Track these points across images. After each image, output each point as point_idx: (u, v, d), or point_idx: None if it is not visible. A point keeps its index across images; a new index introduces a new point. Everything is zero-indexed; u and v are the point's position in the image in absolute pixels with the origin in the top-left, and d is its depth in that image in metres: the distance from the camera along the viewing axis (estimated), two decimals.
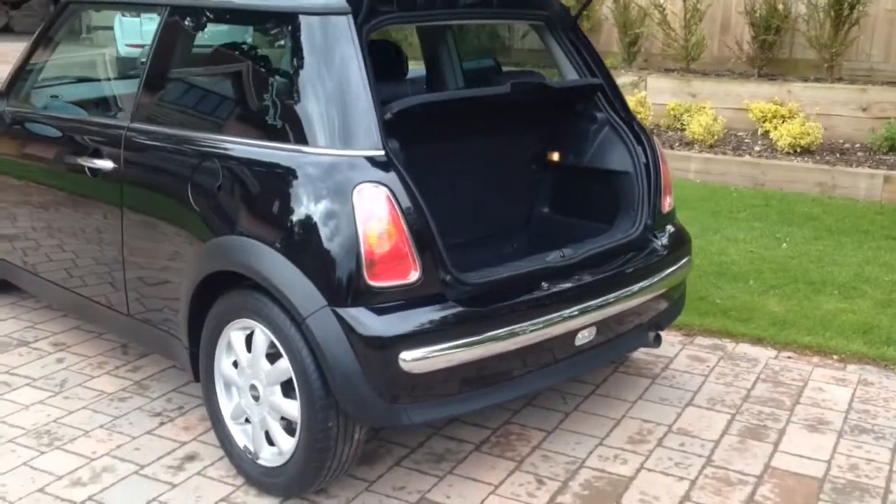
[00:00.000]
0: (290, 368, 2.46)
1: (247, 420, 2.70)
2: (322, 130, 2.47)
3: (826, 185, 6.56)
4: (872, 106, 7.33)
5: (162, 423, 3.07)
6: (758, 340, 3.81)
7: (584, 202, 3.29)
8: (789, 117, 7.22)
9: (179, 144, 2.81)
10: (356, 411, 2.39)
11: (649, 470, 2.79)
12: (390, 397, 2.39)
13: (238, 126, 2.69)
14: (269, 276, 2.42)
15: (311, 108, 2.50)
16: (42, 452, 2.86)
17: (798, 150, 6.96)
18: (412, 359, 2.35)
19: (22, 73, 3.58)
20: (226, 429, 2.75)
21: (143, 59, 3.03)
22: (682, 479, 2.73)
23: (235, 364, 2.68)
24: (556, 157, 3.36)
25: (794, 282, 4.49)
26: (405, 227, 2.38)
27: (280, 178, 2.50)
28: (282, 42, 2.62)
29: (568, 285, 2.69)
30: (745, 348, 3.75)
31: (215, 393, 2.75)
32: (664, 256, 3.03)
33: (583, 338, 2.74)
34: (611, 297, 2.77)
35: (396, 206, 2.38)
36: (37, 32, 3.59)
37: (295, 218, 2.44)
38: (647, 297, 2.93)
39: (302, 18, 2.55)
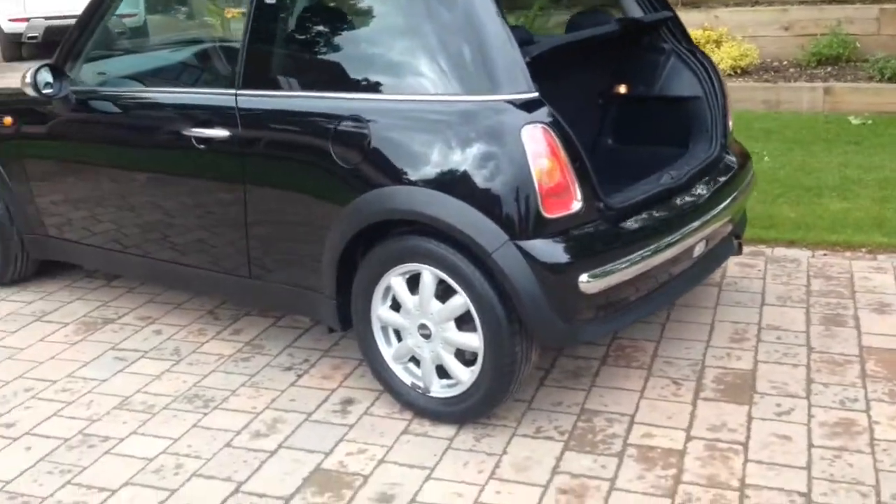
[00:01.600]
0: (468, 303, 2.65)
1: (411, 359, 2.87)
2: (477, 77, 2.62)
3: (771, 101, 7.05)
4: (794, 24, 7.86)
5: (299, 376, 3.19)
6: (790, 243, 4.21)
7: (653, 130, 3.55)
8: (722, 42, 7.69)
9: (310, 106, 2.90)
10: (542, 333, 2.62)
11: (764, 362, 3.12)
12: (570, 317, 2.62)
13: (383, 82, 2.80)
14: (447, 219, 2.59)
15: (460, 57, 2.65)
16: (205, 414, 2.96)
17: (738, 71, 7.44)
18: (587, 280, 2.58)
19: (78, 50, 3.52)
20: (388, 370, 2.91)
21: (244, 20, 3.05)
22: (796, 365, 3.08)
23: (394, 308, 2.84)
24: (623, 89, 3.60)
25: (792, 189, 4.92)
26: (567, 161, 2.59)
27: (442, 128, 2.65)
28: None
29: (688, 201, 2.97)
30: (782, 251, 4.14)
31: (373, 338, 2.91)
32: (741, 169, 3.34)
33: (698, 249, 3.03)
34: (717, 209, 3.07)
35: (558, 142, 2.58)
36: (87, 8, 3.53)
37: (465, 163, 2.60)
38: (737, 206, 3.24)
39: None
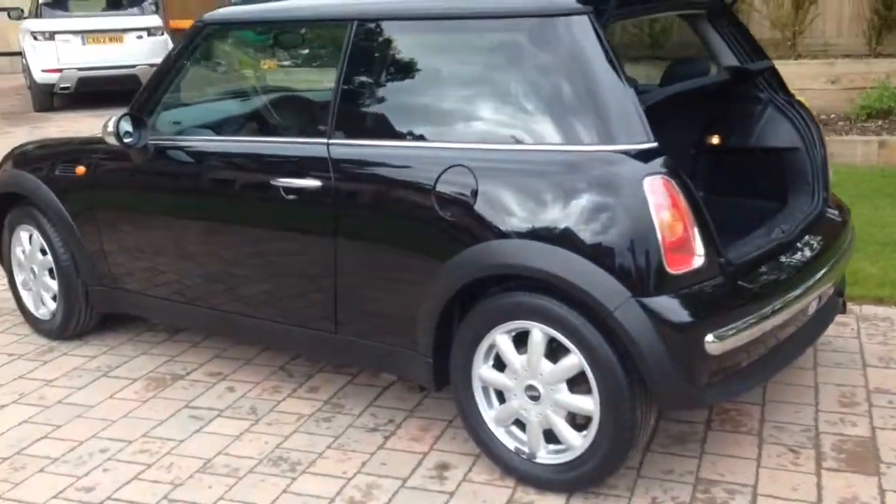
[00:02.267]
0: (583, 363, 2.50)
1: (516, 422, 2.71)
2: (593, 126, 2.51)
3: None
4: (841, 78, 7.79)
5: (386, 438, 3.03)
6: (878, 300, 4.05)
7: (747, 182, 3.42)
8: None
9: (409, 155, 2.79)
10: (667, 396, 2.46)
11: (881, 428, 2.95)
12: (695, 379, 2.47)
13: (489, 130, 2.68)
14: (562, 274, 2.45)
15: (574, 105, 2.54)
16: (293, 478, 2.80)
17: None
18: (713, 339, 2.43)
19: (156, 101, 3.44)
20: (488, 433, 2.75)
21: (337, 65, 2.96)
22: None
23: (498, 367, 2.70)
24: (716, 139, 3.48)
25: (868, 244, 4.77)
26: (689, 214, 2.46)
27: (555, 178, 2.53)
28: (532, 43, 2.63)
29: (801, 256, 2.83)
30: (871, 309, 3.97)
31: (473, 399, 2.75)
32: (844, 223, 3.21)
33: (813, 307, 2.88)
34: (829, 265, 2.92)
35: (680, 194, 2.45)
36: (168, 57, 3.46)
37: (581, 216, 2.47)
38: (844, 261, 3.09)
39: (547, 20, 2.59)
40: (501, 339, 2.65)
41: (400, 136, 2.86)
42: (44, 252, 3.90)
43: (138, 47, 12.39)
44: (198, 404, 3.34)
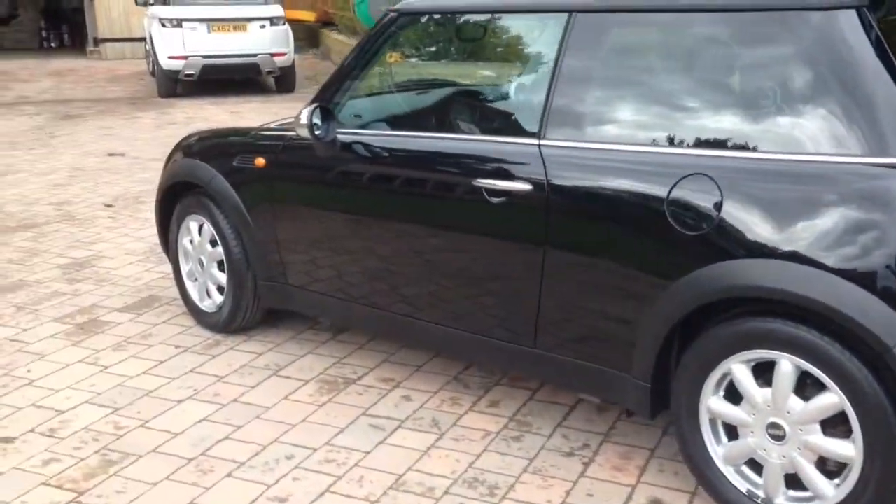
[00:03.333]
0: (845, 403, 2.23)
1: (750, 461, 2.46)
2: (864, 136, 2.23)
3: None
4: None
5: (585, 465, 2.82)
6: None
7: None
8: None
9: (641, 161, 2.55)
10: None
11: None
12: None
13: (740, 134, 2.42)
14: (830, 303, 2.19)
15: (842, 113, 2.27)
16: None
17: None
18: None
19: (344, 93, 3.29)
20: (715, 471, 2.51)
21: (552, 57, 2.75)
22: None
23: (730, 399, 2.45)
24: None
25: None
26: None
27: (820, 193, 2.26)
28: (791, 40, 2.37)
29: None
30: None
31: (698, 432, 2.51)
32: None
33: None
34: None
35: None
36: (357, 48, 3.30)
37: (854, 237, 2.20)
38: None
39: (810, 14, 2.33)
40: (739, 368, 2.40)
41: (625, 139, 2.62)
42: (213, 244, 3.81)
43: (261, 36, 12.49)
44: (376, 412, 3.18)
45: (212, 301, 3.92)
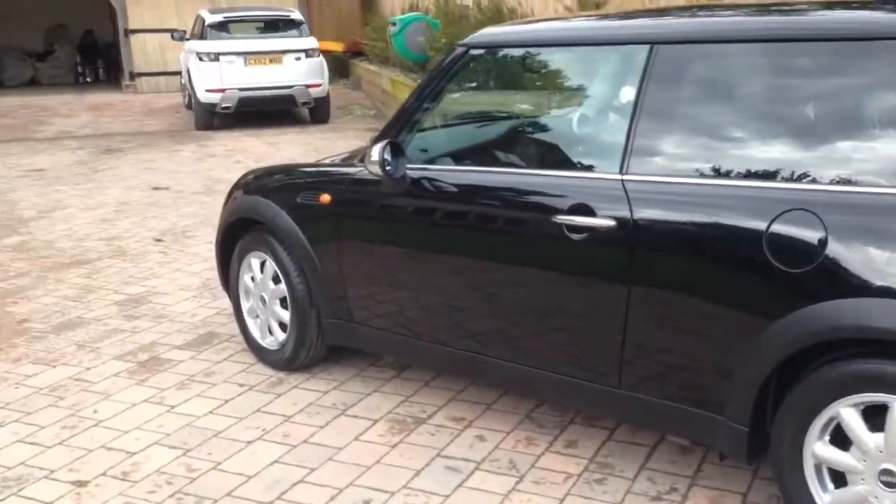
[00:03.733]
0: None
1: None
2: None
3: None
4: None
5: None
6: None
7: None
8: None
9: (733, 195, 2.48)
10: None
11: None
12: None
13: (846, 166, 2.33)
14: None
15: None
16: None
17: None
18: None
19: (411, 128, 3.25)
20: None
21: (633, 86, 2.69)
22: None
23: (837, 443, 2.35)
24: None
25: None
26: None
27: None
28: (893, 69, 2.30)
29: None
30: None
31: (803, 479, 2.41)
32: None
33: None
34: None
35: None
36: (424, 82, 3.26)
37: None
38: None
39: None
40: (847, 412, 2.30)
41: (715, 173, 2.55)
42: (276, 280, 3.77)
43: (296, 68, 12.59)
44: (451, 454, 3.11)
45: (274, 338, 3.87)
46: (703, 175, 2.57)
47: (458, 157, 3.30)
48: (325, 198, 3.47)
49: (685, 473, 2.92)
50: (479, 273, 3.07)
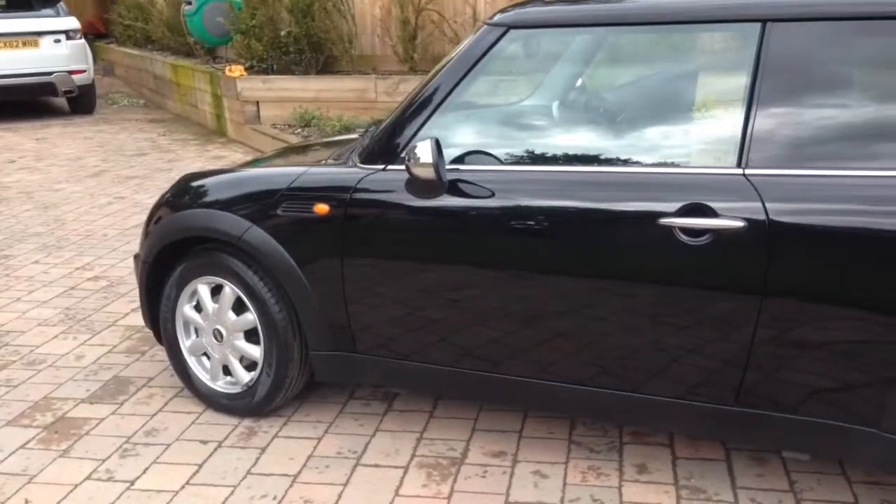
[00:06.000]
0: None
1: None
2: None
3: None
4: None
5: None
6: None
7: None
8: None
9: (885, 186, 2.26)
10: None
11: None
12: None
13: None
14: None
15: None
16: None
17: None
18: None
19: (439, 122, 2.74)
20: None
21: (747, 69, 2.40)
22: None
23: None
24: None
25: None
26: None
27: None
28: None
29: None
30: None
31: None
32: None
33: None
34: None
35: None
36: (449, 69, 2.74)
37: None
38: None
39: None
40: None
41: (860, 164, 2.31)
42: (238, 310, 3.07)
43: (56, 52, 11.11)
44: (521, 498, 2.66)
45: (233, 379, 3.17)
46: (843, 167, 2.31)
47: (514, 155, 2.78)
48: (322, 208, 2.84)
49: (781, 488, 2.70)
50: (554, 286, 2.60)
